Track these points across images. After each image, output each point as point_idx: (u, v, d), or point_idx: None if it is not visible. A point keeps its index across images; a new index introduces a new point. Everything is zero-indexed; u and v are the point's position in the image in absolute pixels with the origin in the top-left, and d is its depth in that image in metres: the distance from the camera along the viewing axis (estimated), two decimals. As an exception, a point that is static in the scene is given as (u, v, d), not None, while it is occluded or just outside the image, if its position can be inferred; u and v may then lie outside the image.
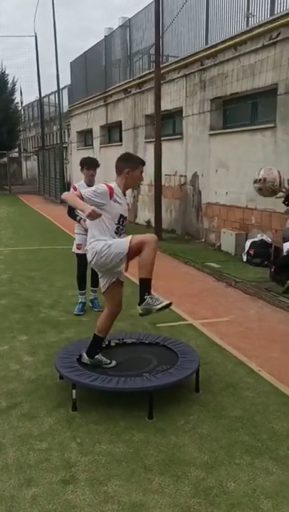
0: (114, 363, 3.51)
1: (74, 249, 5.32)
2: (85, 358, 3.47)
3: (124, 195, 3.41)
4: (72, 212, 5.21)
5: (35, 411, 3.15)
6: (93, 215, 3.06)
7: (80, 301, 5.36)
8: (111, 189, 3.27)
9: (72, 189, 5.19)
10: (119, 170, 3.41)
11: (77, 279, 5.38)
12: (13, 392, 3.41)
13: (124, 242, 3.22)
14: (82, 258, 5.28)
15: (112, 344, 3.87)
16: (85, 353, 3.49)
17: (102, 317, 3.48)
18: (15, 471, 2.55)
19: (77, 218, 5.15)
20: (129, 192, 16.21)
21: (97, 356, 3.47)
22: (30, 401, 3.28)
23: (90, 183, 5.12)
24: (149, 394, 3.08)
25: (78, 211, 5.14)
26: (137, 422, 3.02)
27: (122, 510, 2.27)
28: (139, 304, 3.22)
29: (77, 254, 5.30)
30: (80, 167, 5.22)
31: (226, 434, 2.90)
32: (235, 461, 2.64)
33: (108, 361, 3.51)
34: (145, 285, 3.22)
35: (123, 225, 3.39)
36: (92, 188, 3.29)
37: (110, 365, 3.48)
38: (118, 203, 3.31)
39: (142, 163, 3.50)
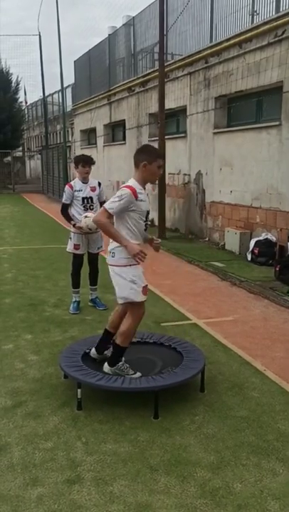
0: (138, 374, 3.31)
1: (70, 248, 5.24)
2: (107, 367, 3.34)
3: (144, 189, 3.30)
4: (65, 211, 5.19)
5: (40, 410, 3.14)
6: (139, 256, 3.11)
7: (74, 300, 5.31)
8: (133, 189, 3.15)
9: (67, 187, 5.12)
10: (136, 163, 3.26)
11: (71, 278, 5.33)
12: (18, 391, 3.40)
13: (139, 293, 3.22)
14: (78, 258, 5.28)
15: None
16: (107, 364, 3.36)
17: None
18: (20, 471, 2.54)
19: (72, 223, 5.09)
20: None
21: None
22: (35, 400, 3.28)
23: (84, 180, 5.11)
24: (154, 394, 3.06)
25: (75, 216, 5.14)
26: (142, 421, 3.01)
27: (128, 510, 2.26)
28: (110, 365, 3.31)
29: (74, 254, 5.26)
30: (74, 165, 5.20)
31: (232, 435, 2.88)
32: (241, 462, 2.62)
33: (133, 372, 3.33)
34: (121, 351, 3.32)
35: (148, 220, 3.35)
36: (116, 198, 3.13)
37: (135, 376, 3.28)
38: (142, 200, 3.22)
39: (160, 156, 3.35)
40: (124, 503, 2.30)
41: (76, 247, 5.18)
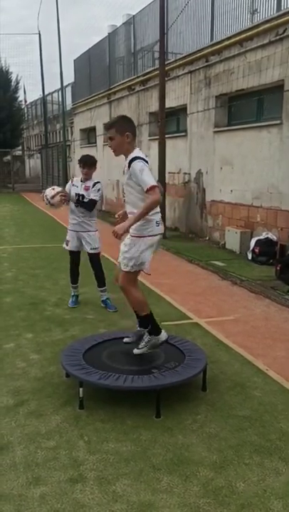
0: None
1: (64, 245, 5.43)
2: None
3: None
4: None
5: (42, 409, 3.14)
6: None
7: (72, 294, 5.51)
8: None
9: (69, 181, 5.38)
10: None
11: (69, 274, 5.53)
12: (20, 390, 3.40)
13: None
14: (71, 254, 5.43)
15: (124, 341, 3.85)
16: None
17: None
18: (23, 470, 2.53)
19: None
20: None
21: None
22: (37, 399, 3.27)
23: (83, 179, 5.22)
24: (156, 393, 3.06)
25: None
26: (144, 420, 3.00)
27: (131, 509, 2.25)
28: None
29: (69, 252, 5.41)
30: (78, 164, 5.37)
31: (235, 434, 2.88)
32: (244, 461, 2.62)
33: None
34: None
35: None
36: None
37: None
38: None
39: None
40: (127, 502, 2.29)
41: (66, 242, 5.36)
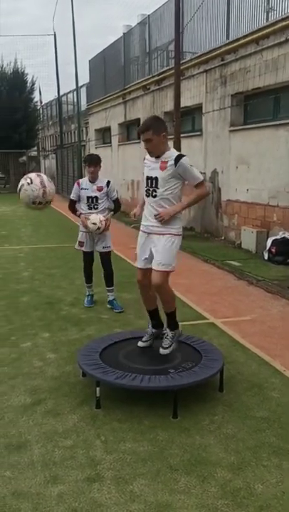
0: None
1: (77, 245, 5.39)
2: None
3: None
4: (72, 206, 5.32)
5: (59, 408, 3.16)
6: None
7: (87, 293, 5.53)
8: None
9: (75, 184, 5.27)
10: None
11: (83, 274, 5.52)
12: (37, 389, 3.42)
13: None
14: (85, 255, 5.40)
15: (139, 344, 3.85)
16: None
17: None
18: (40, 468, 2.55)
19: (77, 213, 5.25)
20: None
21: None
22: (54, 398, 3.29)
23: (92, 179, 5.19)
24: (173, 393, 3.05)
25: (81, 208, 5.21)
26: (161, 421, 2.99)
27: (148, 509, 2.25)
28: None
29: (83, 252, 5.37)
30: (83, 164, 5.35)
31: (252, 435, 2.85)
32: (262, 463, 2.59)
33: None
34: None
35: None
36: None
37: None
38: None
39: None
40: (145, 503, 2.29)
41: (80, 244, 5.32)
